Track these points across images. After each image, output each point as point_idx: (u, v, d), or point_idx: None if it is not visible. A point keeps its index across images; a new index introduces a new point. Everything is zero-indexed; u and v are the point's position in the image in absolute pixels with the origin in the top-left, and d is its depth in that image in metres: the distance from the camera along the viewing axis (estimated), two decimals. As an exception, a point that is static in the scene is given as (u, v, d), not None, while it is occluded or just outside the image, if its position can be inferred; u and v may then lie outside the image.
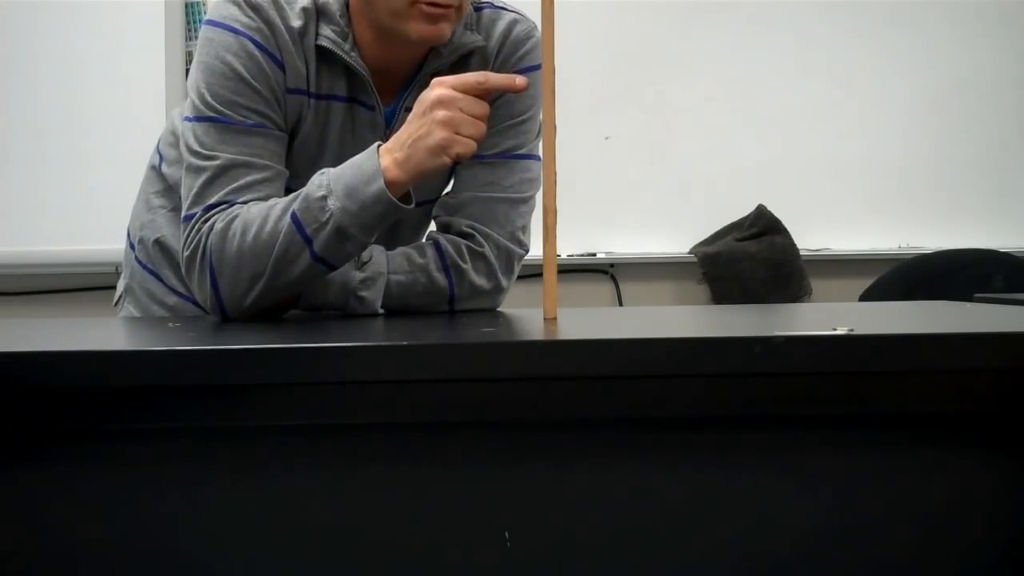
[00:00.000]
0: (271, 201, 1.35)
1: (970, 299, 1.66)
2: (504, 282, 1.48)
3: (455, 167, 1.53)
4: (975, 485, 0.98)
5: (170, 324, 1.34)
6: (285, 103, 1.41)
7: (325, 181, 1.31)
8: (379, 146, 1.32)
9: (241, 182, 1.36)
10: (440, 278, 1.43)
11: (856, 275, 3.22)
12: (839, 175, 3.39)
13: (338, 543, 0.95)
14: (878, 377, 0.96)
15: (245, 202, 1.35)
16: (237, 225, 1.33)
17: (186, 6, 3.05)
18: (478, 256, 1.45)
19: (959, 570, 0.98)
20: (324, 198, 1.30)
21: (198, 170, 1.38)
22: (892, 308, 1.57)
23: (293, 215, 1.31)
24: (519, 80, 1.33)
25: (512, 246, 1.48)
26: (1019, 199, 3.43)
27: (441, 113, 1.28)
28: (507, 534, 0.94)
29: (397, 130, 1.44)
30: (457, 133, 1.27)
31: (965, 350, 0.96)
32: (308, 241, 1.31)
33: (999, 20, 3.41)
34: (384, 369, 0.93)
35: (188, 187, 1.39)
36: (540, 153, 1.53)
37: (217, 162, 1.37)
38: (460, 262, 1.44)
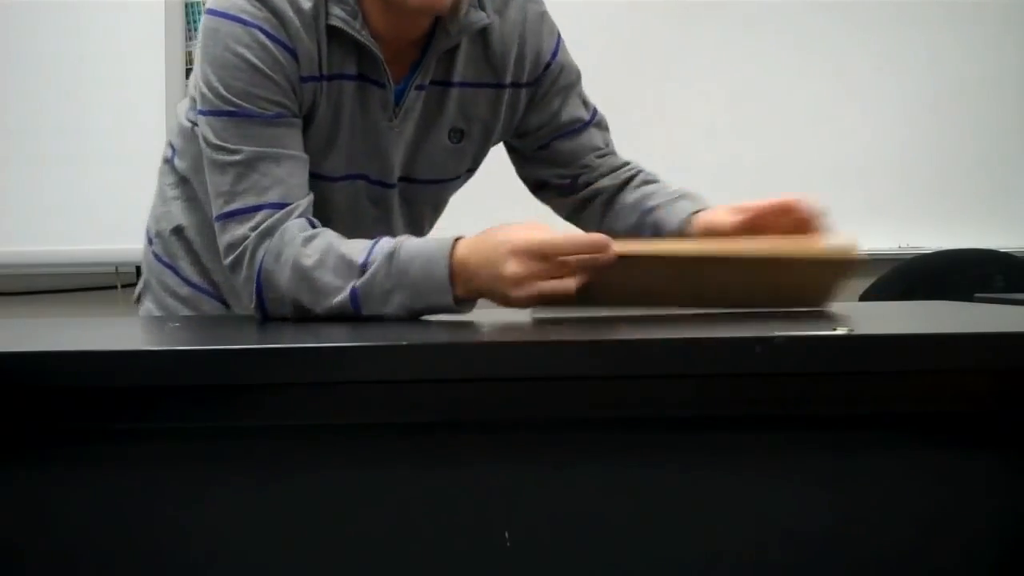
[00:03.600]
0: (325, 245, 1.30)
1: (970, 299, 1.66)
2: None
3: (525, 152, 1.63)
4: (975, 485, 0.98)
5: (170, 324, 1.34)
6: (300, 91, 1.40)
7: (393, 271, 1.25)
8: (452, 248, 1.24)
9: (268, 178, 1.35)
10: None
11: (856, 275, 3.21)
12: (839, 175, 3.38)
13: (338, 543, 0.95)
14: (878, 377, 0.96)
15: (277, 204, 1.33)
16: (288, 268, 1.29)
17: (186, 6, 3.05)
18: None
19: (959, 570, 0.98)
20: (390, 292, 1.25)
21: (223, 167, 1.36)
22: (892, 308, 1.57)
23: (354, 293, 1.26)
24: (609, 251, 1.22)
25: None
26: (1019, 199, 3.43)
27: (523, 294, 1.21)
28: (507, 534, 0.94)
29: (407, 110, 1.47)
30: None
31: (965, 350, 0.96)
32: (358, 308, 1.27)
33: (999, 20, 3.41)
34: (384, 369, 0.93)
35: (215, 185, 1.37)
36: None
37: (240, 156, 1.35)
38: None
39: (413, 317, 1.26)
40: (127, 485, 0.94)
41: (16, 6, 3.06)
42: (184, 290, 1.60)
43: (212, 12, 1.39)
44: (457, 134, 1.53)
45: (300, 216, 1.35)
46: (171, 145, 1.63)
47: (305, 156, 1.40)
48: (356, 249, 1.29)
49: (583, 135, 1.63)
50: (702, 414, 0.96)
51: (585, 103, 1.66)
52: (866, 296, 3.03)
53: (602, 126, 1.67)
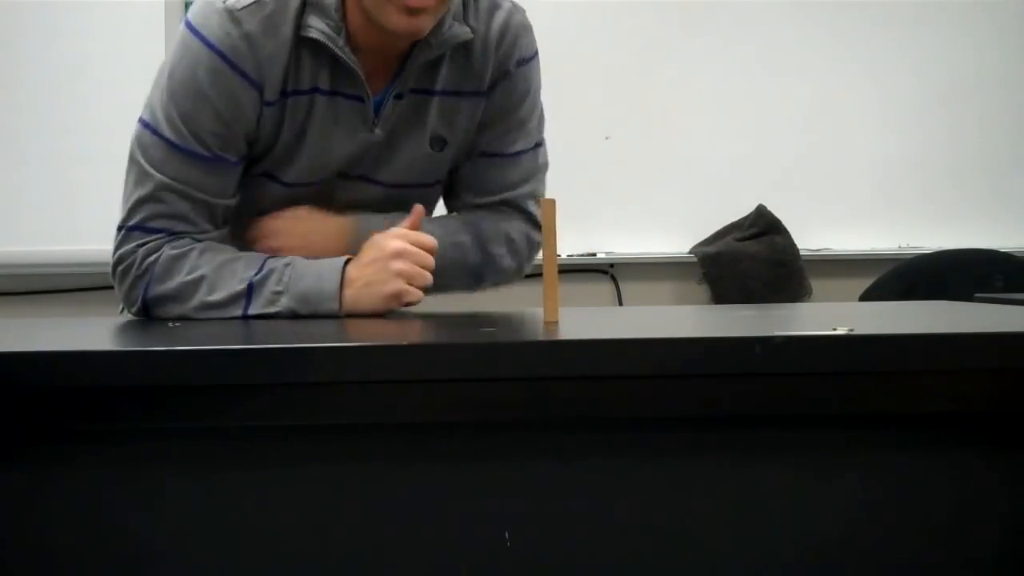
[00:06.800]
0: (223, 256, 1.40)
1: (970, 299, 1.66)
2: (527, 266, 1.58)
3: (457, 165, 1.58)
4: (975, 485, 0.98)
5: (170, 324, 1.34)
6: (259, 122, 1.42)
7: (285, 279, 1.37)
8: (345, 264, 1.38)
9: (173, 209, 1.40)
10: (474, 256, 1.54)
11: (856, 275, 3.22)
12: (839, 175, 3.38)
13: (338, 543, 0.95)
14: (878, 377, 0.96)
15: (175, 234, 1.40)
16: (182, 274, 1.39)
17: (186, 6, 3.05)
18: (510, 240, 1.55)
19: (959, 570, 0.98)
20: (279, 294, 1.37)
21: (136, 182, 1.42)
22: (892, 308, 1.57)
23: (250, 287, 1.37)
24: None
25: (533, 232, 1.57)
26: (1019, 199, 3.43)
27: (398, 265, 1.37)
28: (507, 534, 0.94)
29: (386, 118, 1.48)
30: (410, 283, 1.38)
31: (965, 350, 0.96)
32: (248, 305, 1.38)
33: (999, 20, 3.41)
34: (384, 369, 0.93)
35: (126, 193, 1.43)
36: (543, 135, 1.60)
37: (155, 182, 1.40)
38: (495, 246, 1.54)
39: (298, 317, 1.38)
40: (126, 485, 0.94)
41: (16, 6, 3.06)
42: None
43: (189, 26, 1.41)
44: (439, 142, 1.53)
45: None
46: None
47: (221, 201, 1.44)
48: (249, 260, 1.41)
49: (506, 165, 1.57)
50: (702, 414, 0.96)
51: (527, 135, 1.58)
52: (866, 296, 3.03)
53: (532, 165, 1.59)
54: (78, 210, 3.00)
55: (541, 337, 1.05)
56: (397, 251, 1.38)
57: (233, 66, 1.38)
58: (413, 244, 1.40)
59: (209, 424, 0.94)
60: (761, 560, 0.97)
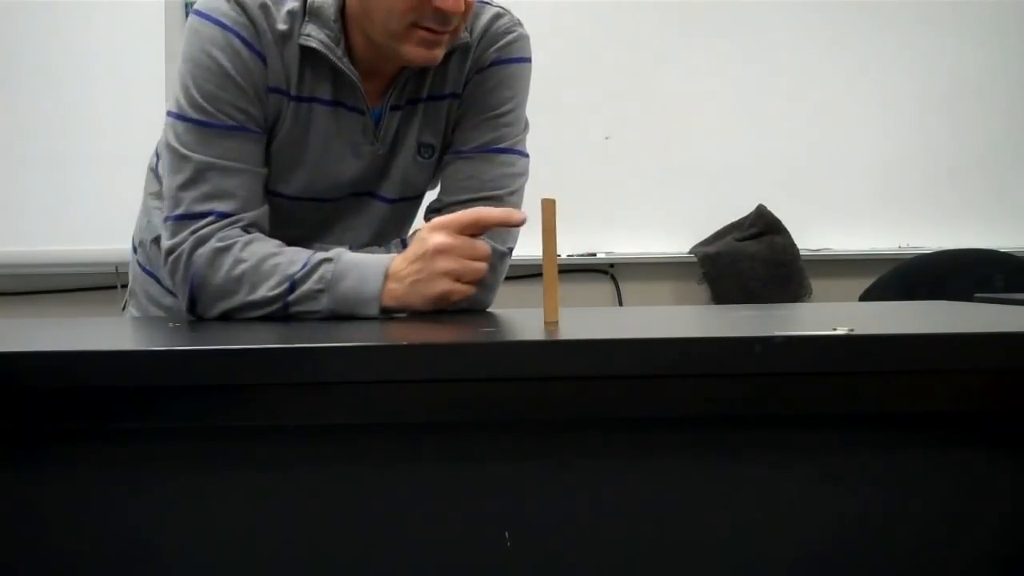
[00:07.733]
0: (263, 249, 1.36)
1: (970, 299, 1.66)
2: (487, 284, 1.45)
3: (437, 165, 1.55)
4: (975, 485, 0.98)
5: (170, 324, 1.34)
6: (267, 100, 1.42)
7: (328, 275, 1.32)
8: (388, 265, 1.32)
9: (216, 187, 1.38)
10: None
11: (856, 275, 3.22)
12: (839, 175, 3.39)
13: (338, 543, 0.95)
14: (878, 377, 0.96)
15: (223, 214, 1.38)
16: (224, 269, 1.35)
17: (186, 6, 3.05)
18: None
19: (959, 571, 0.98)
20: (321, 292, 1.32)
21: (176, 170, 1.40)
22: (892, 308, 1.57)
23: (292, 285, 1.33)
24: (516, 215, 1.35)
25: (490, 242, 1.46)
26: (1019, 199, 3.43)
27: (442, 264, 1.31)
28: (507, 534, 0.94)
29: (386, 131, 1.48)
30: (458, 280, 1.32)
31: (965, 350, 0.96)
32: (286, 305, 1.34)
33: (999, 20, 3.42)
34: (384, 369, 0.93)
35: (167, 186, 1.42)
36: (526, 149, 1.54)
37: (193, 164, 1.39)
38: None
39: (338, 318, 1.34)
40: (126, 485, 0.94)
41: (16, 6, 3.06)
42: (166, 299, 1.61)
43: (197, 13, 1.42)
44: (428, 149, 1.53)
45: (245, 225, 1.39)
46: (157, 154, 1.64)
47: (260, 170, 1.43)
48: (294, 255, 1.35)
49: (475, 161, 1.50)
50: (702, 414, 0.96)
51: (504, 134, 1.51)
52: (866, 296, 3.04)
53: (506, 169, 1.50)
54: (78, 210, 3.00)
55: (541, 337, 1.05)
56: (439, 247, 1.30)
57: (244, 41, 1.39)
58: (456, 230, 1.32)
59: (209, 424, 0.94)
60: (761, 560, 0.97)
